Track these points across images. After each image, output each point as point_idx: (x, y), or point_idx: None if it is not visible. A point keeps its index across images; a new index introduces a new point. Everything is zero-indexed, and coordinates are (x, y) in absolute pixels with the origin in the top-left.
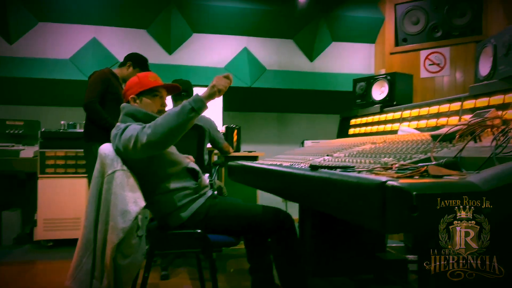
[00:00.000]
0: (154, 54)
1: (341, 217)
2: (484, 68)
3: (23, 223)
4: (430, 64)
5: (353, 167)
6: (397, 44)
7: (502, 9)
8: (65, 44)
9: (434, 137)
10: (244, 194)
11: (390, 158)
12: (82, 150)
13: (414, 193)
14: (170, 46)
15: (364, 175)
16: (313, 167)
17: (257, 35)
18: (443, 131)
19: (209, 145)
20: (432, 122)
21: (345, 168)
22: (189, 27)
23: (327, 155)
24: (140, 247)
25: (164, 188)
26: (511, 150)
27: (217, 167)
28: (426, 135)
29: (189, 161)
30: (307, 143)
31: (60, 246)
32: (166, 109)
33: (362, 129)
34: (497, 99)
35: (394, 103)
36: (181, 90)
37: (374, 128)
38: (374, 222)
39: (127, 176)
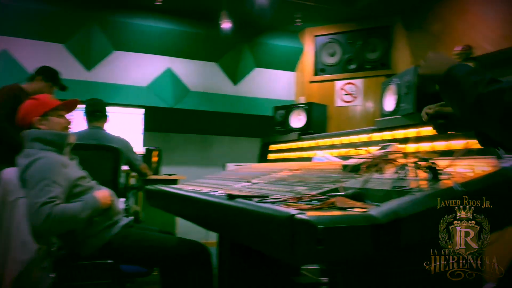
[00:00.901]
0: (72, 69)
1: (256, 247)
2: (389, 104)
3: None
4: (345, 94)
5: (269, 196)
6: (315, 73)
7: (408, 48)
8: None
9: (344, 167)
10: (163, 219)
11: (304, 187)
12: None
13: (320, 226)
14: (89, 62)
15: (276, 207)
16: (230, 197)
17: (181, 56)
18: (352, 162)
19: (127, 167)
20: (343, 151)
21: (261, 197)
22: (110, 44)
23: (247, 181)
24: (43, 280)
25: None
26: (409, 184)
27: (134, 191)
28: (338, 164)
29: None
30: (229, 166)
31: None
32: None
33: (281, 155)
34: (399, 133)
35: (311, 131)
36: (95, 110)
37: (292, 154)
38: (284, 253)
39: None
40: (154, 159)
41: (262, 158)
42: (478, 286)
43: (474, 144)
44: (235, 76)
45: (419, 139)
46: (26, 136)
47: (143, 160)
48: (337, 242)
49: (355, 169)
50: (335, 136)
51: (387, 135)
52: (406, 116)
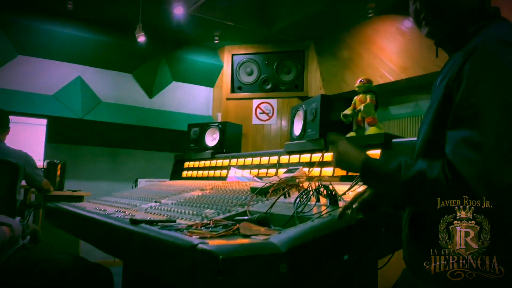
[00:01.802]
0: None
1: (159, 276)
2: (297, 128)
3: None
4: (260, 113)
5: (176, 220)
6: (233, 90)
7: (319, 72)
8: None
9: (252, 190)
10: (65, 239)
11: (212, 210)
12: None
13: (221, 256)
14: None
15: (179, 234)
16: (133, 221)
17: (93, 65)
18: (259, 185)
19: (24, 183)
20: (255, 172)
21: (165, 223)
22: (13, 48)
23: (155, 201)
24: None
25: None
26: (311, 209)
27: (32, 209)
28: (248, 185)
29: None
30: (141, 181)
31: None
32: None
33: (195, 173)
34: (306, 157)
35: (224, 150)
36: None
37: (206, 173)
38: (186, 284)
39: None
40: (58, 173)
41: (176, 175)
42: None
43: None
44: (151, 88)
45: (322, 164)
46: None
47: (45, 174)
48: (238, 272)
49: (263, 192)
50: (247, 157)
51: (295, 158)
52: (311, 141)
